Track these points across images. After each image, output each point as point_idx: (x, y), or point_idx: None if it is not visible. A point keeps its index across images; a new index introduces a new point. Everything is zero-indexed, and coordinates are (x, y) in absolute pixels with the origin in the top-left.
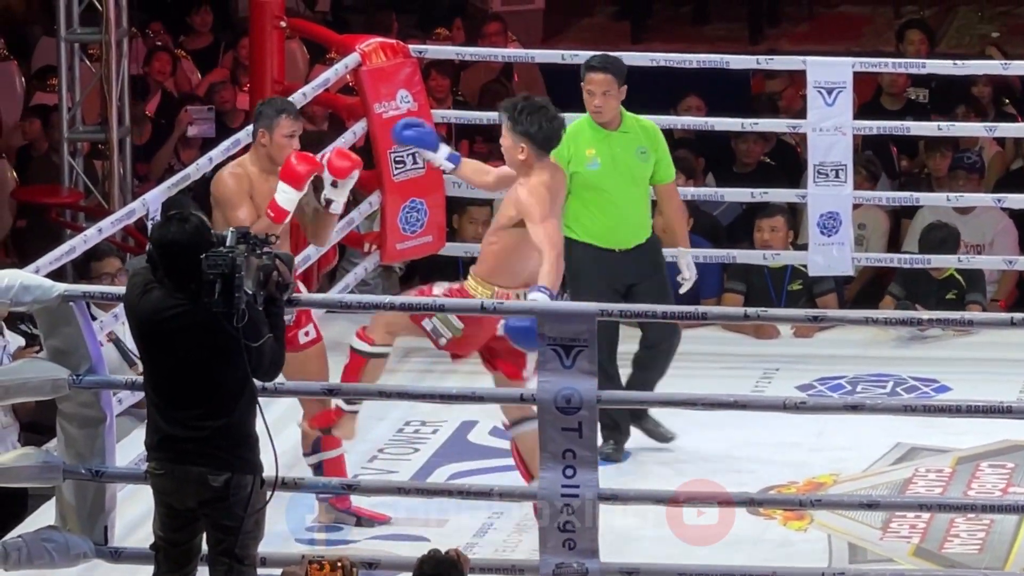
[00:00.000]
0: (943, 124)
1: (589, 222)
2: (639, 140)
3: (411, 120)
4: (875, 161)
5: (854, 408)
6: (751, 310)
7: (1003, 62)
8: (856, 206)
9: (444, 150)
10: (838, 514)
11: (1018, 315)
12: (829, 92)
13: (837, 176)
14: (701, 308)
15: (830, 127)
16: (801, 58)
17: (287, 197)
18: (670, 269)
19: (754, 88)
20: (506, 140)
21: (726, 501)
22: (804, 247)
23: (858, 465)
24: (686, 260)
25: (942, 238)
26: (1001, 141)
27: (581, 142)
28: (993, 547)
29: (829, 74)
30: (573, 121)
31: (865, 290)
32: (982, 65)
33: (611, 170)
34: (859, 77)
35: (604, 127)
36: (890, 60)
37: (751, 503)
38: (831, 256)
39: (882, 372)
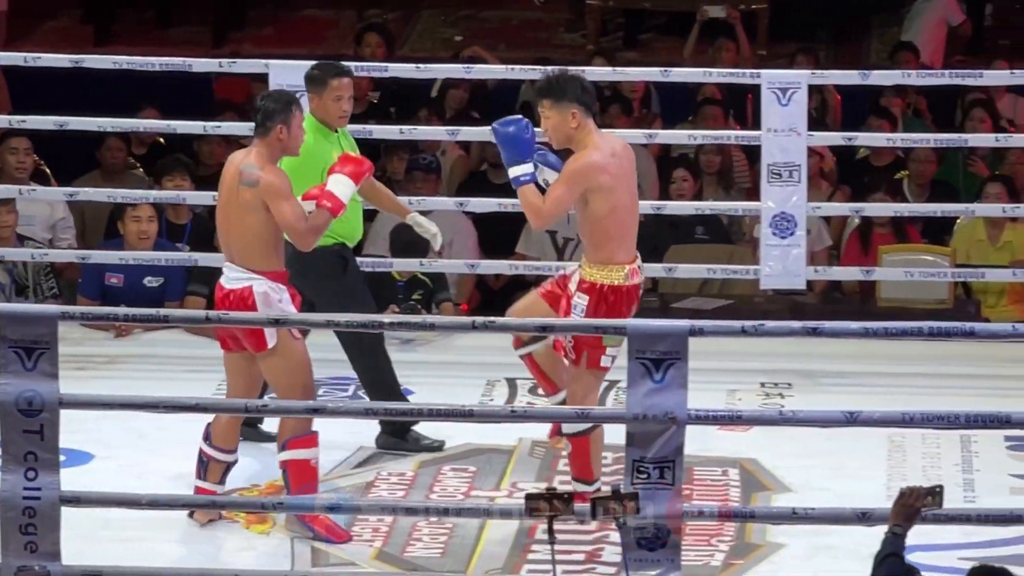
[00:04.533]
0: (405, 128)
1: (337, 224)
2: (350, 141)
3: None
4: None
5: (316, 411)
6: (212, 313)
7: (466, 66)
8: None
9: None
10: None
11: (479, 319)
12: None
13: None
14: (164, 311)
15: None
16: (264, 61)
17: (346, 191)
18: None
19: (217, 91)
20: (552, 117)
21: (190, 504)
22: None
23: (321, 469)
24: (421, 218)
25: (412, 239)
26: (466, 145)
27: (326, 149)
28: (455, 551)
29: (291, 77)
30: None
31: None
32: (445, 69)
33: None
34: None
35: (334, 131)
36: (352, 64)
37: (212, 506)
38: None
39: (344, 376)
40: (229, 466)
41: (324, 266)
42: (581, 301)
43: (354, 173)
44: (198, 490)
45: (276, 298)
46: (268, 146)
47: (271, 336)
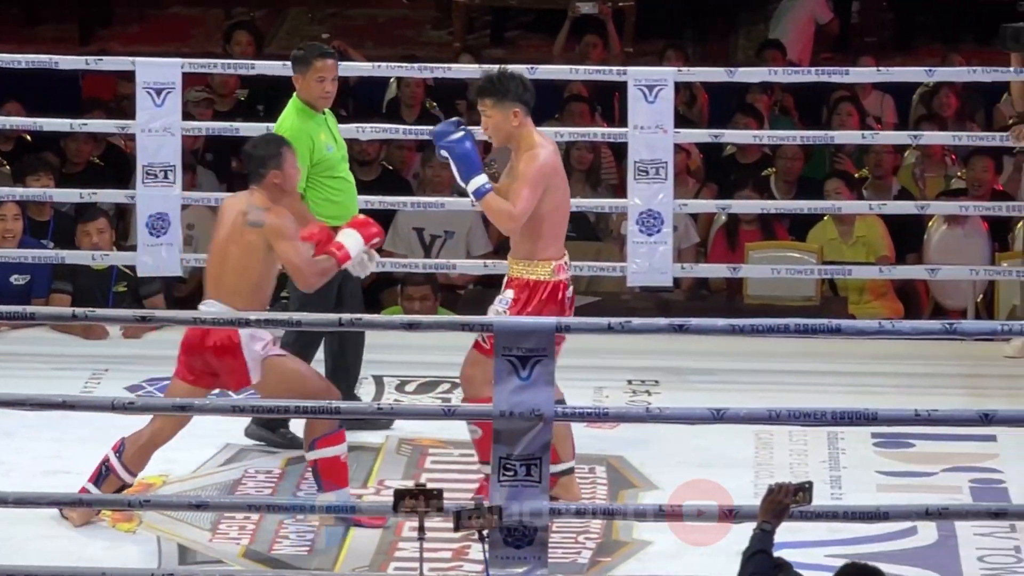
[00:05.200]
0: (272, 126)
1: (329, 206)
2: (335, 122)
3: (466, 136)
4: (218, 160)
5: (183, 409)
6: (79, 310)
7: (356, 63)
8: (184, 206)
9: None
10: (168, 516)
11: (347, 316)
12: (158, 93)
13: (166, 177)
14: (30, 308)
15: (159, 128)
16: (130, 59)
17: (356, 245)
18: None
19: (85, 89)
20: (494, 116)
21: (57, 501)
22: (133, 248)
23: (188, 466)
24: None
25: None
26: None
27: (312, 129)
28: (322, 548)
29: (158, 75)
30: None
31: (197, 291)
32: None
33: (338, 151)
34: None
35: (319, 112)
36: (219, 61)
37: (78, 503)
38: (160, 257)
39: (162, 376)
40: (125, 486)
41: None
42: (506, 295)
43: (367, 235)
44: (83, 491)
45: (261, 343)
46: (267, 190)
47: (255, 372)
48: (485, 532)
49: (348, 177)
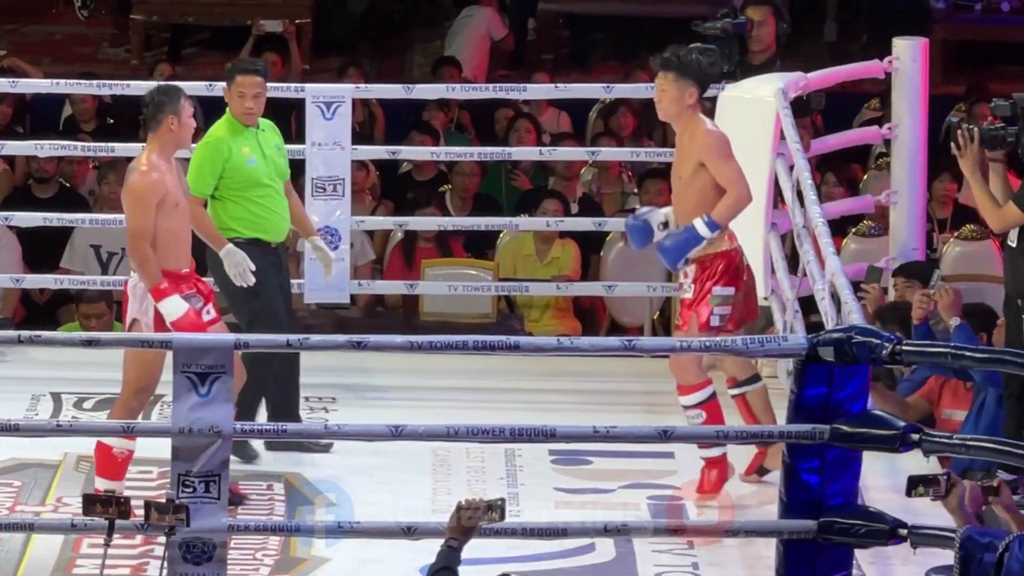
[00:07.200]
0: None
1: (254, 218)
2: (275, 138)
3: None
4: None
5: None
6: None
7: (11, 80)
8: None
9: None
10: None
11: (25, 333)
12: None
13: None
14: None
15: None
16: None
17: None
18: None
19: None
20: (670, 91)
21: None
22: None
23: None
24: (322, 243)
25: None
26: (10, 160)
27: (234, 143)
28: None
29: None
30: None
31: None
32: None
33: (264, 165)
34: None
35: (249, 127)
36: None
37: None
38: None
39: None
40: None
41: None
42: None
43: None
44: None
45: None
46: (156, 139)
47: None
48: (173, 528)
49: (271, 195)
